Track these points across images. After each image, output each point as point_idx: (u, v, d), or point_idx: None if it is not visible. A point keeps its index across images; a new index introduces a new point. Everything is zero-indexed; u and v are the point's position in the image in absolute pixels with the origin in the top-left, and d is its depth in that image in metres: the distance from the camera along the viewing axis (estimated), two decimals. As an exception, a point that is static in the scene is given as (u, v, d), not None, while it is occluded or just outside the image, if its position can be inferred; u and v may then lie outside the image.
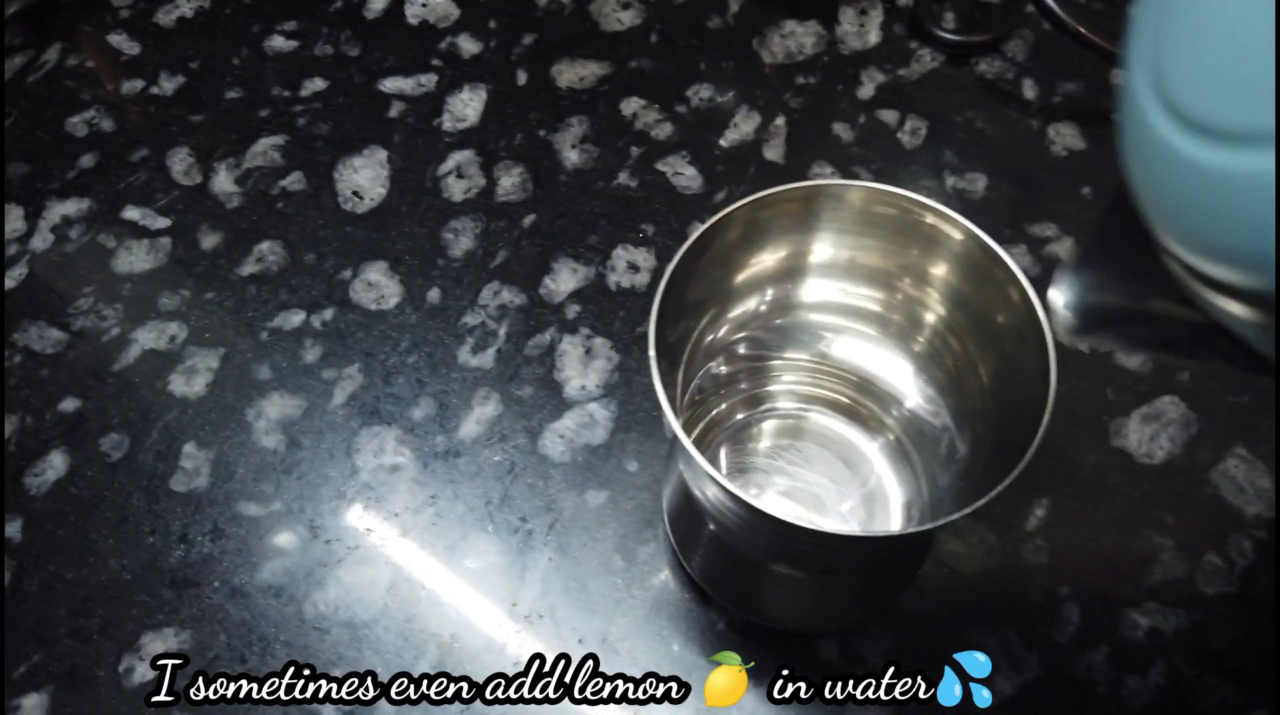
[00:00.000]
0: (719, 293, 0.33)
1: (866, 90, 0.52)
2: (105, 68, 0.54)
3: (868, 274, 0.33)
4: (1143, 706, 0.38)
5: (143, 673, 0.39)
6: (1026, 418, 0.28)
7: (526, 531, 0.41)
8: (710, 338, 0.34)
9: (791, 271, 0.34)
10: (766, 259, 0.33)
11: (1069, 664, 0.38)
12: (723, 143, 0.51)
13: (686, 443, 0.27)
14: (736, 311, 0.35)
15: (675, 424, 0.27)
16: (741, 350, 0.35)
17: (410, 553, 0.41)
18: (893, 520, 0.36)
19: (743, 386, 0.36)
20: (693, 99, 0.52)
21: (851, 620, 0.39)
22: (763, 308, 0.35)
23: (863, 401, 0.37)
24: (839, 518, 0.36)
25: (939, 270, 0.32)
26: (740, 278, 0.33)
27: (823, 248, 0.33)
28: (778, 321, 0.35)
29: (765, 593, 0.38)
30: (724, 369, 0.35)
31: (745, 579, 0.38)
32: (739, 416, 0.37)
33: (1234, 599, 0.39)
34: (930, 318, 0.33)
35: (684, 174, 0.50)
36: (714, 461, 0.37)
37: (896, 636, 0.39)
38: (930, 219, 0.30)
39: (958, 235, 0.30)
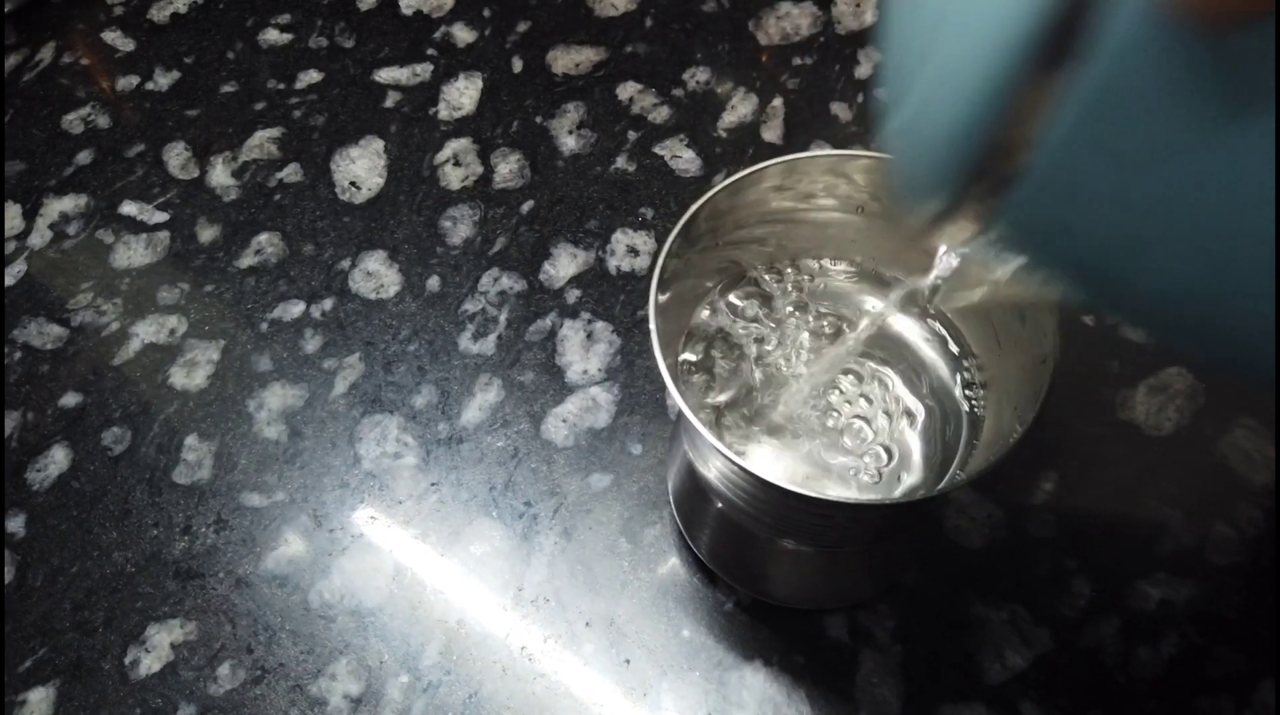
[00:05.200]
0: (720, 264, 0.33)
1: (864, 70, 0.52)
2: (100, 65, 0.54)
3: (871, 240, 0.33)
4: (1154, 677, 0.37)
5: (148, 664, 0.39)
6: (1031, 388, 0.28)
7: (531, 516, 0.41)
8: (712, 309, 0.34)
9: (795, 240, 0.34)
10: (767, 230, 0.33)
11: (1079, 636, 0.38)
12: (721, 125, 0.51)
13: (685, 409, 0.27)
14: (740, 282, 0.34)
15: (675, 391, 0.27)
16: (747, 315, 0.35)
17: (414, 540, 0.41)
18: (913, 474, 0.35)
19: (751, 352, 0.36)
20: (689, 82, 0.52)
21: (858, 597, 0.39)
22: (768, 277, 0.35)
23: (880, 359, 0.36)
24: (859, 468, 0.36)
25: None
26: (740, 249, 0.33)
27: (823, 216, 0.33)
28: (786, 291, 0.35)
29: (772, 571, 0.38)
30: (735, 332, 0.35)
31: (752, 557, 0.38)
32: (746, 383, 0.37)
33: (1244, 568, 0.39)
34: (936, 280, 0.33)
35: (682, 157, 0.50)
36: (720, 434, 0.36)
37: (903, 612, 0.39)
38: None
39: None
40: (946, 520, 0.40)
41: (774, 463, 0.37)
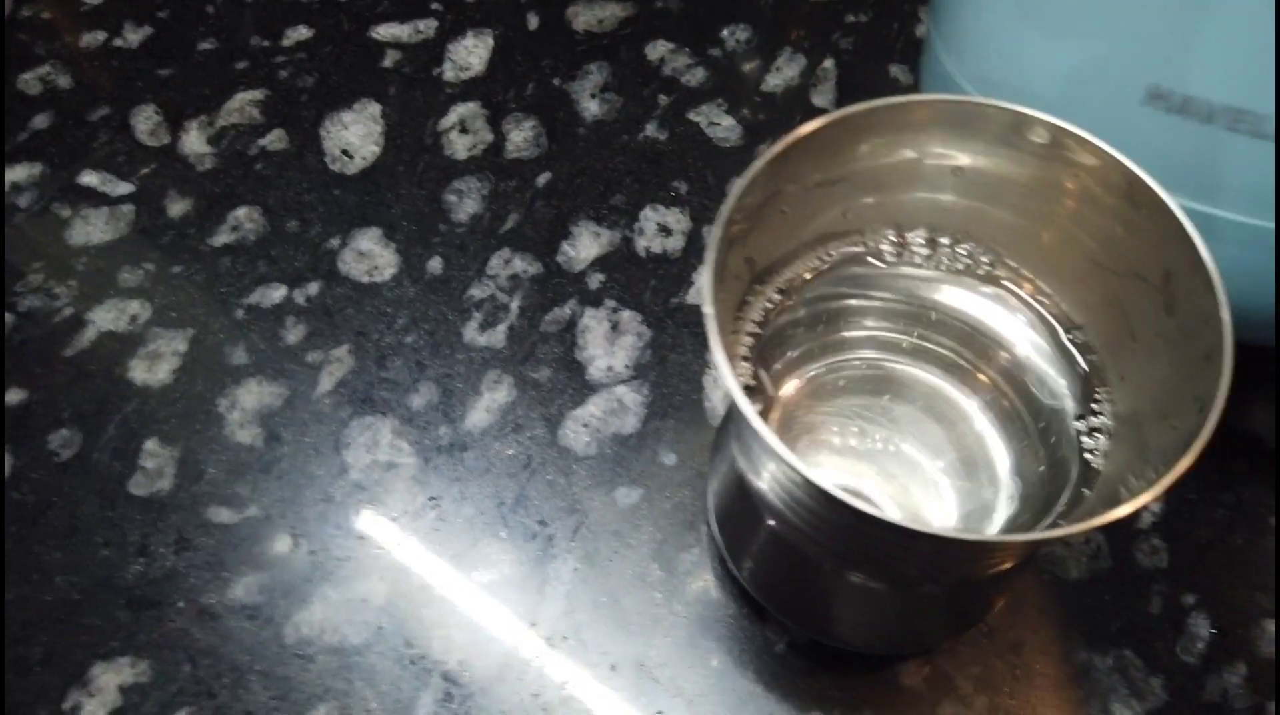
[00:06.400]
0: (771, 243, 0.27)
1: (925, 28, 0.46)
2: (63, 19, 0.48)
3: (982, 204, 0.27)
4: (1297, 740, 0.31)
5: (91, 711, 0.32)
6: (1190, 390, 0.22)
7: (546, 537, 0.35)
8: (774, 286, 0.28)
9: (855, 207, 0.28)
10: (848, 188, 0.27)
11: (1199, 687, 0.32)
12: (764, 89, 0.44)
13: (743, 403, 0.21)
14: (792, 261, 0.28)
15: (730, 379, 0.21)
16: (806, 302, 0.29)
17: (409, 564, 0.34)
18: (1002, 499, 0.29)
19: (816, 334, 0.30)
20: (728, 41, 0.46)
21: (937, 640, 0.33)
22: (822, 253, 0.29)
23: (963, 352, 0.30)
24: (934, 498, 0.29)
25: (1055, 196, 0.26)
26: (797, 222, 0.27)
27: (895, 175, 0.27)
28: (843, 268, 0.29)
29: (835, 606, 0.32)
30: (796, 314, 0.29)
31: (811, 590, 0.31)
32: (810, 372, 0.31)
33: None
34: (1046, 250, 0.27)
35: (720, 124, 0.44)
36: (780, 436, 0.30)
37: (990, 657, 0.32)
38: (1071, 147, 0.24)
39: (1103, 167, 0.24)
40: (1038, 548, 0.34)
41: (846, 463, 0.31)
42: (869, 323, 0.30)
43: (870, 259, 0.29)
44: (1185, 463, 0.21)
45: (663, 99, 0.44)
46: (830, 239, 0.29)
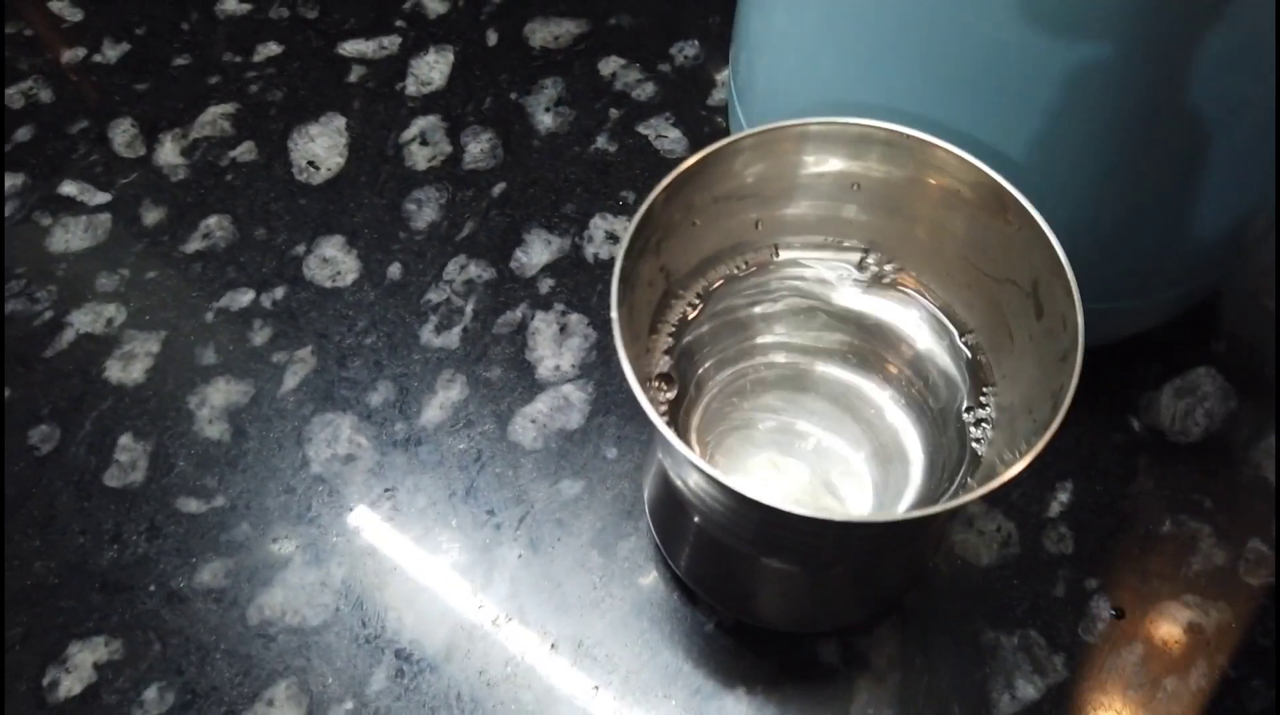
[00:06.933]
0: (690, 247, 0.29)
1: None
2: (45, 36, 0.51)
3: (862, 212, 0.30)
4: (1183, 711, 0.34)
5: (69, 686, 0.35)
6: (1048, 386, 0.25)
7: (494, 526, 0.37)
8: (685, 298, 0.30)
9: (774, 217, 0.30)
10: (745, 206, 0.29)
11: (1099, 665, 0.34)
12: (709, 103, 0.47)
13: (653, 415, 0.23)
14: (713, 267, 0.31)
15: (638, 389, 0.23)
16: (723, 304, 0.31)
17: (365, 551, 0.37)
18: (912, 484, 0.31)
19: (727, 343, 0.32)
20: (677, 57, 0.48)
21: (853, 619, 0.35)
22: (743, 258, 0.31)
23: (869, 347, 0.32)
24: (854, 486, 0.32)
25: (941, 209, 0.28)
26: (715, 228, 0.29)
27: (807, 189, 0.29)
28: (762, 271, 0.31)
29: (757, 590, 0.34)
30: (705, 327, 0.31)
31: (735, 575, 0.34)
32: (730, 374, 0.33)
33: (1281, 590, 0.35)
34: (937, 258, 0.30)
35: (667, 137, 0.46)
36: (699, 439, 0.33)
37: (904, 636, 0.35)
38: (933, 154, 0.27)
39: (963, 172, 0.26)
40: (952, 535, 0.37)
41: (764, 461, 0.33)
42: (779, 328, 0.32)
43: (780, 268, 0.32)
44: (1038, 448, 0.23)
45: (613, 112, 0.47)
46: (744, 249, 0.31)
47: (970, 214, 0.28)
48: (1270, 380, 0.39)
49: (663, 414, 0.29)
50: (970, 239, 0.28)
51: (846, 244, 0.31)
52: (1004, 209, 0.26)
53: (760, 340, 0.32)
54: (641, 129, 0.46)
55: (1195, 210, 0.31)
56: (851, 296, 0.32)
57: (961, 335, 0.30)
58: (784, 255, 0.32)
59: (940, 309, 0.31)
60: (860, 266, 0.31)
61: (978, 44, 0.27)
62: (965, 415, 0.29)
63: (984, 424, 0.29)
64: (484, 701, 0.34)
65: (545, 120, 0.47)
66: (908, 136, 0.27)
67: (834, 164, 0.29)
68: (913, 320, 0.31)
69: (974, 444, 0.29)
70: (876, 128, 0.27)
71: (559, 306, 0.42)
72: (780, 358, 0.32)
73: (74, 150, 0.47)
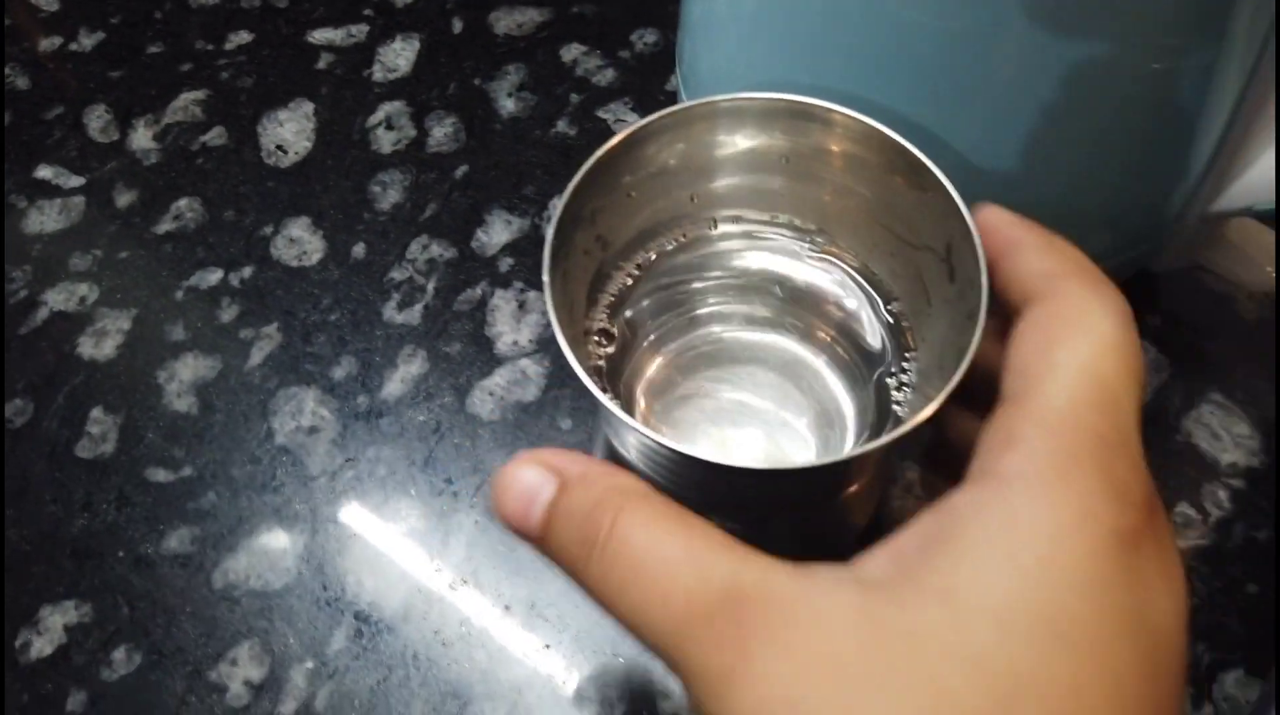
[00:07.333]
0: (628, 219, 0.31)
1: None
2: (23, 24, 0.52)
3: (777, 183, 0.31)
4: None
5: (39, 647, 0.36)
6: (958, 345, 0.26)
7: (452, 494, 0.39)
8: (625, 270, 0.32)
9: (708, 190, 0.32)
10: (678, 181, 0.31)
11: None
12: (667, 88, 0.48)
13: (579, 370, 0.24)
14: (652, 238, 0.32)
15: (568, 350, 0.25)
16: (661, 281, 0.33)
17: (327, 518, 0.38)
18: (847, 447, 0.33)
19: (666, 317, 0.33)
20: (636, 44, 0.50)
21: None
22: (682, 231, 0.32)
23: (805, 316, 0.34)
24: (800, 448, 0.33)
25: (860, 179, 0.29)
26: (651, 201, 0.31)
27: (734, 164, 0.31)
28: (700, 244, 0.33)
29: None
30: (645, 300, 0.33)
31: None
32: (672, 347, 0.34)
33: (1207, 552, 0.37)
34: (862, 227, 0.31)
35: (626, 121, 0.47)
36: (647, 407, 0.34)
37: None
38: (847, 125, 0.28)
39: (875, 141, 0.28)
40: (893, 500, 0.38)
41: (703, 426, 0.34)
42: (717, 299, 0.33)
43: (716, 241, 0.33)
44: (944, 395, 0.24)
45: (574, 98, 0.48)
46: (681, 222, 0.33)
47: (886, 182, 0.29)
48: (1203, 352, 0.40)
49: (598, 370, 0.31)
50: (889, 207, 0.29)
51: (779, 217, 0.33)
52: (916, 175, 0.28)
53: (700, 311, 0.34)
54: (601, 113, 0.47)
55: (1125, 184, 0.32)
56: (785, 266, 0.33)
57: (886, 302, 0.32)
58: (721, 228, 0.33)
59: (865, 277, 0.32)
60: (793, 237, 0.33)
61: (893, 25, 0.28)
62: (888, 379, 0.31)
63: (905, 387, 0.30)
64: (439, 660, 0.35)
65: (508, 105, 0.48)
66: (819, 108, 0.28)
67: (754, 139, 0.30)
68: (841, 287, 0.32)
69: (895, 406, 0.30)
70: (783, 100, 0.28)
71: (518, 284, 0.43)
72: (719, 328, 0.34)
73: (50, 136, 0.48)
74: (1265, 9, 0.29)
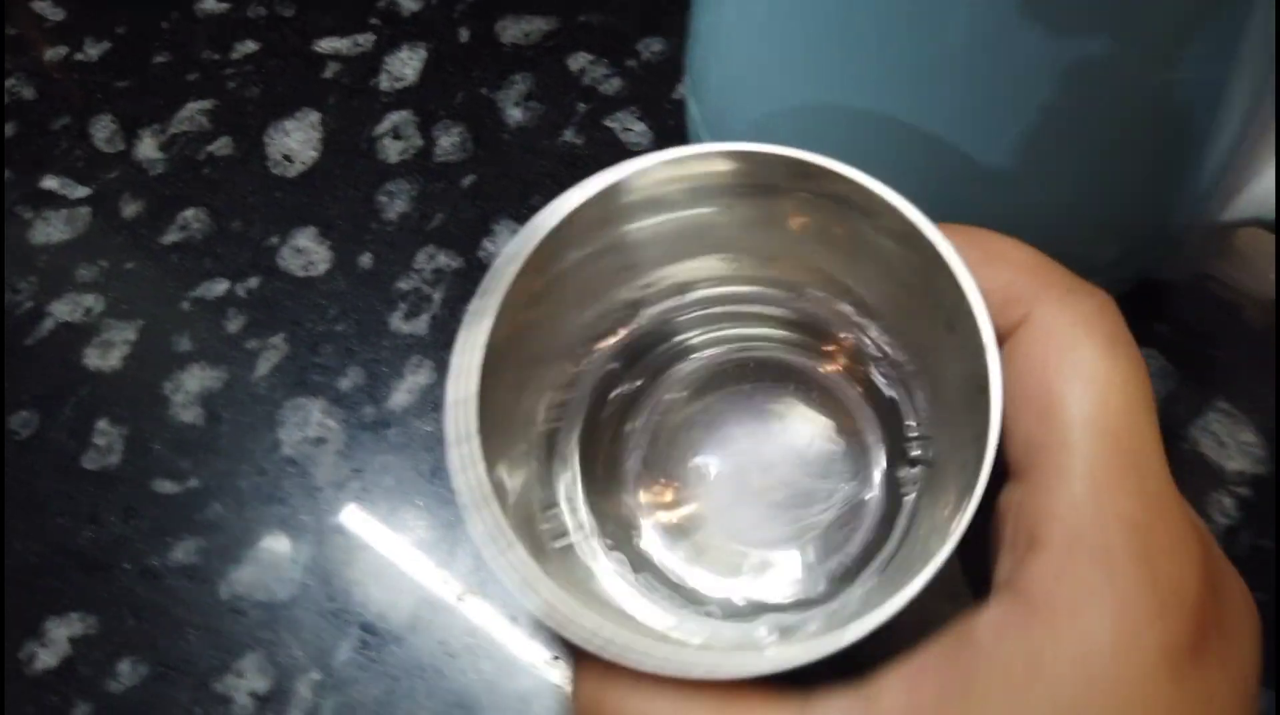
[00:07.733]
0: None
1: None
2: (28, 35, 0.52)
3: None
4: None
5: (45, 660, 0.36)
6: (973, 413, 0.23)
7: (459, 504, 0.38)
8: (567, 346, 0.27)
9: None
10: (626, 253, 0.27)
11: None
12: (674, 97, 0.48)
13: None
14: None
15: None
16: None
17: (333, 529, 0.38)
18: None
19: (639, 384, 0.28)
20: (644, 52, 0.50)
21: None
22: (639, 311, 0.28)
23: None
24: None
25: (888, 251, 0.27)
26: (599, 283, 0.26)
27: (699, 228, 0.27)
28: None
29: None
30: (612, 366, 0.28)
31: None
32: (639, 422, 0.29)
33: (1218, 562, 0.37)
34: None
35: (633, 130, 0.47)
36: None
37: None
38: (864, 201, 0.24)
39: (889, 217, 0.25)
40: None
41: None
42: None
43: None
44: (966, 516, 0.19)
45: (581, 107, 0.48)
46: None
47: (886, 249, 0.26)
48: (1210, 360, 0.40)
49: None
50: (896, 273, 0.27)
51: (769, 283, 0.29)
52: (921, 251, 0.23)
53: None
54: (608, 123, 0.47)
55: (1134, 192, 0.32)
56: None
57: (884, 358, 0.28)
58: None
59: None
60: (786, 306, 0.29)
61: (908, 38, 0.28)
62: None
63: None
64: (446, 671, 0.35)
65: (515, 114, 0.48)
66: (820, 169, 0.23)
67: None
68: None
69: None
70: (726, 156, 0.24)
71: (524, 294, 0.43)
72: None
73: (56, 146, 0.48)
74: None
